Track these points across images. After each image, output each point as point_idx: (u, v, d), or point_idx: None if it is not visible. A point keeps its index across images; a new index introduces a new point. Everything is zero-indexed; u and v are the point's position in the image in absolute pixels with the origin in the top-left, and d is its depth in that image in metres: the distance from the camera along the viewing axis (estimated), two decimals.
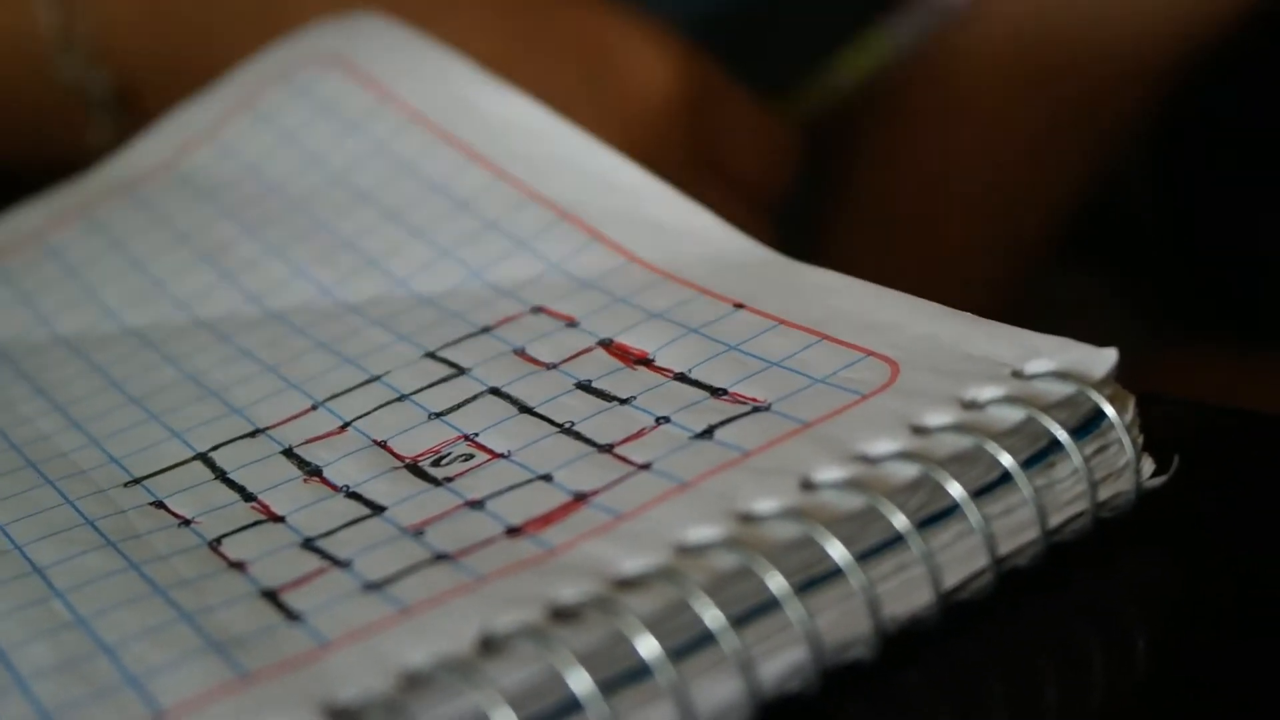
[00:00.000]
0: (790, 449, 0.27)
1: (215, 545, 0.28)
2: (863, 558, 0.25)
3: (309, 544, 0.27)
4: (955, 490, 0.26)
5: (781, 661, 0.25)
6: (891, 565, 0.25)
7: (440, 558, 0.26)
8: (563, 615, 0.24)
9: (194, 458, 0.30)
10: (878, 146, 0.61)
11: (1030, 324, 0.29)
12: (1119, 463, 0.27)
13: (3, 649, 0.26)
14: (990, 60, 0.59)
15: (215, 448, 0.31)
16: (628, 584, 0.25)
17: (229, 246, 0.37)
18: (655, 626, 0.24)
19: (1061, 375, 0.27)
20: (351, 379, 0.32)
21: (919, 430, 0.26)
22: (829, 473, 0.26)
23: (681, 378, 0.29)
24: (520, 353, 0.31)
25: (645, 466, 0.27)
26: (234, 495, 0.29)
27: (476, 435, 0.29)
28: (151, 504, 0.29)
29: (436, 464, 0.29)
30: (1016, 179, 0.61)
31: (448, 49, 0.39)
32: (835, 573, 0.25)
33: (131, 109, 0.47)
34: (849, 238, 0.60)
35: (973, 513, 0.26)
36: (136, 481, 0.30)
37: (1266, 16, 0.60)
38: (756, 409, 0.28)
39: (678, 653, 0.24)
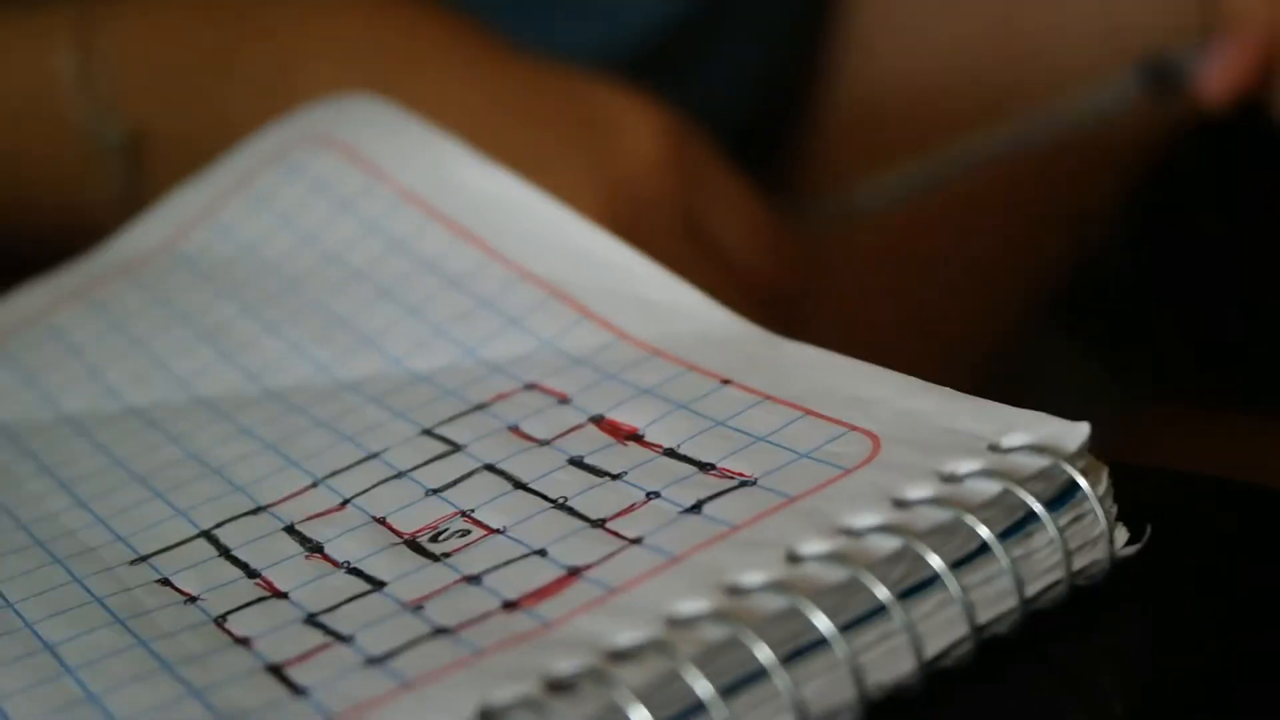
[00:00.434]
0: (776, 523, 0.28)
1: (221, 621, 0.29)
2: (846, 628, 0.26)
3: (312, 619, 0.28)
4: (935, 562, 0.27)
5: None
6: (875, 635, 0.26)
7: (439, 632, 0.27)
8: (558, 687, 0.25)
9: (198, 535, 0.31)
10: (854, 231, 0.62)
11: (1010, 390, 0.30)
12: (1093, 532, 0.28)
13: None
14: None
15: (218, 525, 0.31)
16: (621, 656, 0.25)
17: (228, 326, 0.38)
18: (647, 698, 0.25)
19: (1037, 449, 0.28)
20: (350, 456, 0.33)
21: (900, 503, 0.27)
22: (813, 546, 0.27)
23: (670, 453, 0.30)
24: (514, 429, 0.32)
25: (636, 541, 0.28)
26: (238, 572, 0.30)
27: (472, 511, 0.30)
28: (157, 581, 0.30)
29: (434, 540, 0.30)
30: (995, 261, 0.62)
31: (438, 129, 0.40)
32: (820, 643, 0.26)
33: (141, 159, 0.48)
34: (826, 310, 0.61)
35: (952, 583, 0.27)
36: (142, 559, 0.31)
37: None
38: (743, 484, 0.29)
39: None
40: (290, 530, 0.31)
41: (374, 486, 0.31)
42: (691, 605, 0.26)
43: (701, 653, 0.25)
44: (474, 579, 0.28)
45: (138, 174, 0.49)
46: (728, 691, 0.25)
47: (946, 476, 0.28)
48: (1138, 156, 0.62)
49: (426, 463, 0.32)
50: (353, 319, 0.37)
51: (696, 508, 0.28)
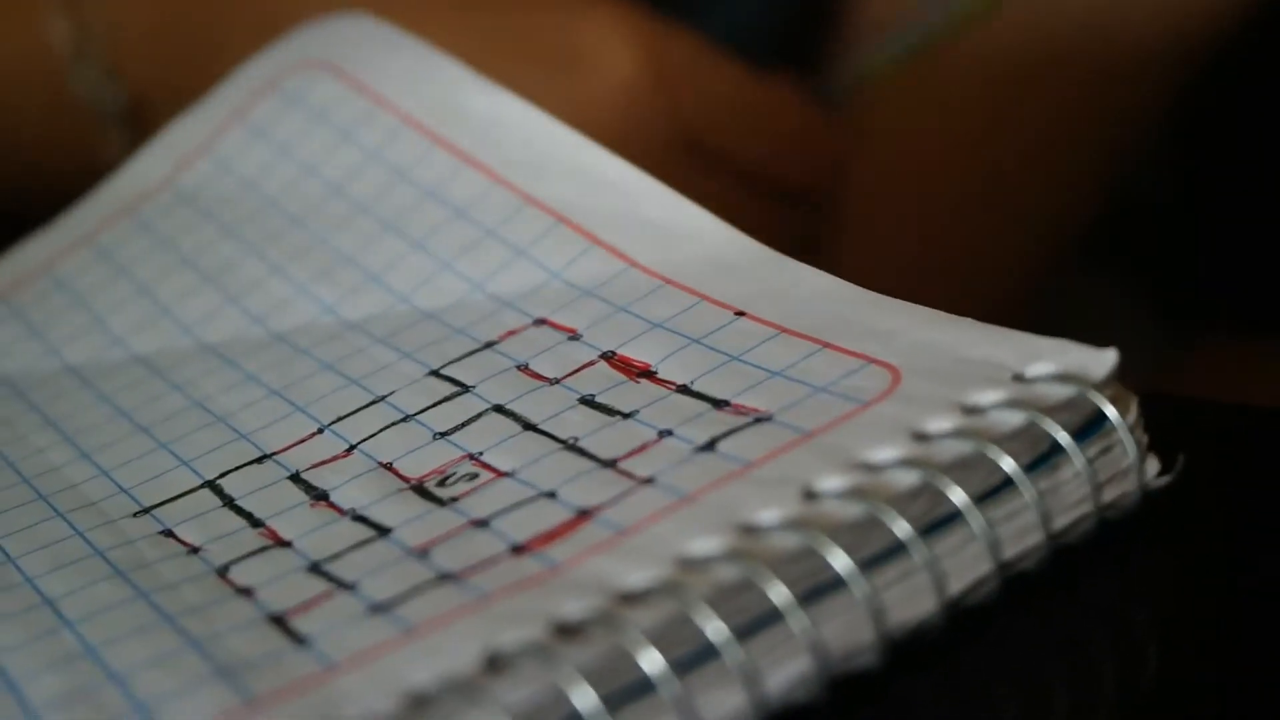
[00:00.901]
0: (792, 459, 0.27)
1: (223, 572, 0.28)
2: (866, 566, 0.25)
3: (316, 568, 0.27)
4: (957, 496, 0.26)
5: (786, 672, 0.25)
6: (895, 573, 0.25)
7: (445, 578, 0.26)
8: (567, 632, 0.24)
9: (202, 485, 0.31)
10: (876, 144, 0.60)
11: (1045, 326, 0.29)
12: (1123, 463, 0.27)
13: (15, 680, 0.26)
14: (988, 57, 0.59)
15: (223, 475, 0.31)
16: (631, 599, 0.25)
17: (232, 267, 0.37)
18: (659, 640, 0.24)
19: (1062, 378, 0.27)
20: (357, 400, 0.32)
21: (920, 436, 0.26)
22: (831, 482, 0.26)
23: (684, 390, 0.29)
24: (524, 368, 0.31)
25: (648, 481, 0.27)
26: (242, 521, 0.29)
27: (481, 454, 0.29)
28: (160, 533, 0.30)
29: (442, 484, 0.29)
30: (1023, 179, 0.61)
31: (436, 50, 0.39)
32: (839, 582, 0.25)
33: (144, 123, 0.48)
34: (850, 239, 0.60)
35: (975, 518, 0.26)
36: (145, 511, 0.30)
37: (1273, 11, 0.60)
38: (759, 420, 0.28)
39: (682, 666, 0.24)
40: (295, 478, 0.30)
41: (380, 431, 0.31)
42: (704, 545, 0.25)
43: (714, 593, 0.24)
44: (482, 523, 0.27)
45: (141, 140, 0.48)
46: (743, 633, 0.24)
47: (969, 408, 0.27)
48: (1179, 59, 0.60)
49: (434, 405, 0.31)
50: (357, 256, 0.36)
51: (710, 445, 0.28)
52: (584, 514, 0.27)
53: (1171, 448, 0.27)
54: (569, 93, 0.45)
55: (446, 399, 0.31)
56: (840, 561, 0.25)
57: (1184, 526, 0.27)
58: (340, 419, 0.31)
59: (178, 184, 0.40)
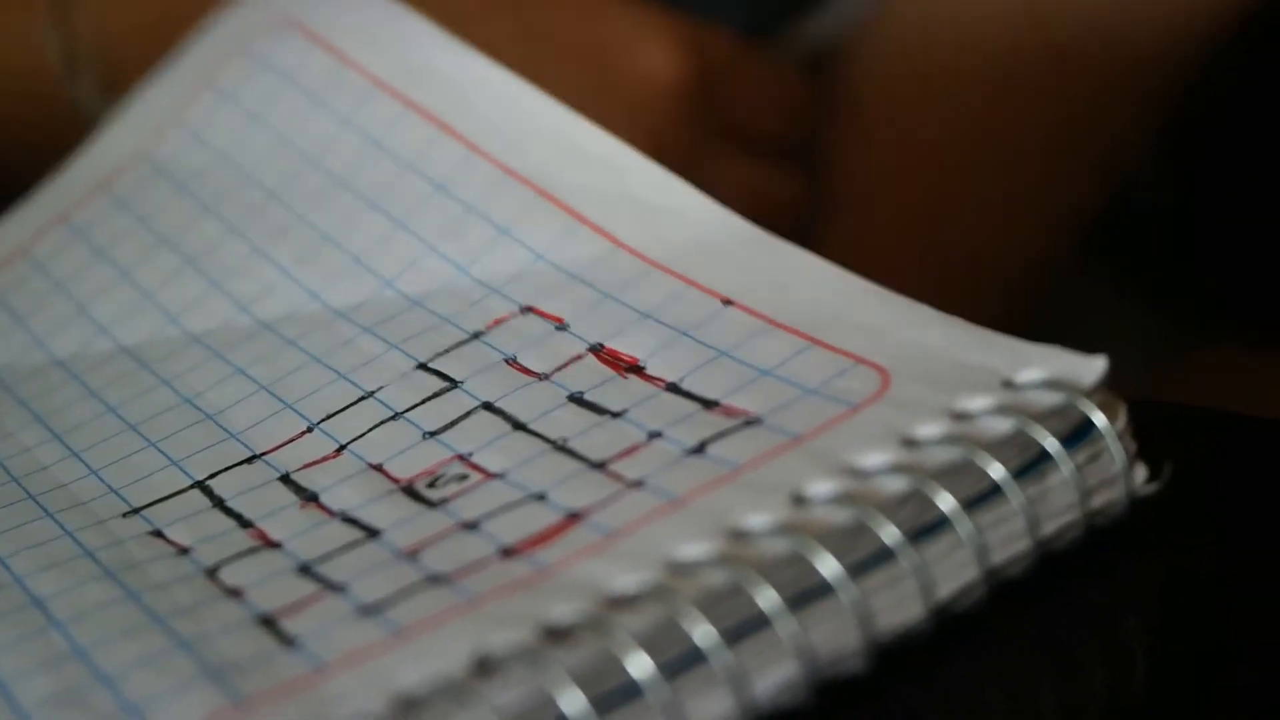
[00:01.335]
0: (782, 463, 0.27)
1: (213, 573, 0.28)
2: (854, 571, 0.25)
3: (306, 569, 0.27)
4: (946, 502, 0.26)
5: (774, 676, 0.25)
6: (884, 578, 0.25)
7: (435, 580, 0.26)
8: (556, 635, 0.24)
9: (192, 486, 0.31)
10: (875, 144, 0.60)
11: (1044, 330, 0.29)
12: (1111, 470, 0.27)
13: (4, 681, 0.26)
14: (990, 57, 0.59)
15: (213, 475, 0.31)
16: (620, 602, 0.25)
17: (213, 249, 0.37)
18: (648, 644, 0.24)
19: (1052, 384, 0.27)
20: (346, 396, 0.32)
21: (910, 442, 0.26)
22: (820, 487, 0.26)
23: (673, 388, 0.29)
24: (512, 362, 0.31)
25: (638, 484, 0.27)
26: (231, 523, 0.29)
27: (470, 455, 0.29)
28: (150, 533, 0.30)
29: (432, 485, 0.29)
30: (1022, 182, 0.61)
31: (401, 6, 0.38)
32: (827, 587, 0.25)
33: None
34: (847, 240, 0.60)
35: (964, 524, 0.26)
36: (135, 511, 0.30)
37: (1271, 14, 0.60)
38: (748, 422, 0.28)
39: (670, 669, 0.24)
40: (285, 479, 0.30)
41: (370, 430, 0.31)
42: (693, 549, 0.25)
43: (703, 597, 0.24)
44: (471, 525, 0.27)
45: None
46: (731, 637, 0.24)
47: (958, 414, 0.27)
48: (1179, 63, 0.60)
49: (423, 402, 0.31)
50: (339, 236, 0.36)
51: (700, 448, 0.28)
52: (574, 516, 0.27)
53: (1161, 455, 0.27)
54: (608, 92, 0.46)
55: (435, 395, 0.31)
56: (829, 567, 0.25)
57: (1172, 533, 0.27)
58: (329, 416, 0.31)
59: (151, 156, 0.40)
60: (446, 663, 0.24)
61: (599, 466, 0.28)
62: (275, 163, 0.38)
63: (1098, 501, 0.27)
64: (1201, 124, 0.66)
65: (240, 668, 0.25)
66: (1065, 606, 0.26)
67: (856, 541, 0.25)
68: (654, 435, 0.28)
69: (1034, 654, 0.26)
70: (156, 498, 0.30)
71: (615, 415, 0.29)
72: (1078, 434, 0.27)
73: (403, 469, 0.29)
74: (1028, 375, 0.27)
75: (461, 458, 0.29)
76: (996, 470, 0.26)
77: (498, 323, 0.32)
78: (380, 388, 0.32)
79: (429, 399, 0.31)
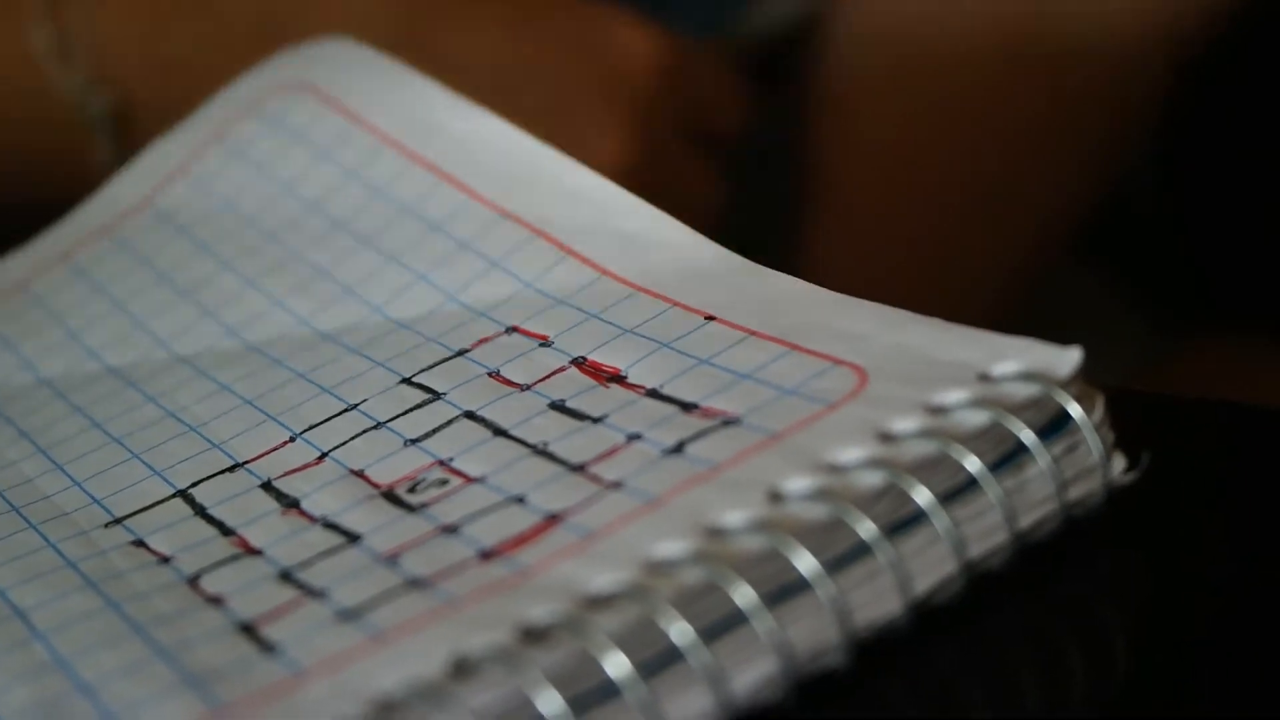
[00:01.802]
0: (759, 461, 0.27)
1: (194, 581, 0.28)
2: (831, 567, 0.25)
3: (286, 576, 0.27)
4: (922, 496, 0.26)
5: (753, 673, 0.25)
6: (861, 573, 0.25)
7: (415, 584, 0.26)
8: (534, 636, 0.24)
9: (174, 495, 0.31)
10: (862, 142, 0.61)
11: (1034, 324, 0.29)
12: (1088, 461, 0.27)
13: None
14: (978, 54, 0.59)
15: (195, 484, 0.31)
16: (597, 602, 0.25)
17: (207, 282, 0.37)
18: (625, 643, 0.24)
19: (1027, 376, 0.27)
20: (329, 409, 0.32)
21: (886, 437, 0.26)
22: (796, 483, 0.26)
23: (653, 394, 0.29)
24: (495, 375, 0.31)
25: (617, 485, 0.27)
26: (213, 531, 0.29)
27: (451, 460, 0.29)
28: (132, 543, 0.30)
29: (412, 490, 0.29)
30: (1012, 177, 0.61)
31: (414, 71, 0.39)
32: (804, 583, 0.25)
33: (130, 129, 0.48)
34: (836, 240, 0.60)
35: (940, 518, 0.26)
36: (117, 521, 0.30)
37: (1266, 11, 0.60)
38: (727, 422, 0.28)
39: (648, 668, 0.24)
40: (267, 486, 0.30)
41: (352, 439, 0.31)
42: (670, 548, 0.25)
43: (680, 596, 0.24)
44: (451, 529, 0.27)
45: (127, 146, 0.48)
46: (709, 635, 0.24)
47: (934, 408, 0.27)
48: (1169, 58, 0.60)
49: (405, 412, 0.31)
50: (332, 269, 0.36)
51: (678, 449, 0.28)
52: (552, 519, 0.27)
53: (1140, 445, 0.27)
54: (593, 81, 0.48)
55: (418, 406, 0.31)
56: (805, 563, 0.25)
57: (1150, 524, 0.27)
58: (312, 427, 0.31)
59: (156, 204, 0.41)
60: (425, 666, 0.24)
61: (578, 469, 0.28)
62: (277, 209, 0.38)
63: (1075, 493, 0.27)
64: (1193, 118, 0.66)
65: (220, 675, 0.25)
66: (1044, 598, 0.26)
67: (833, 537, 0.25)
68: (633, 437, 0.28)
69: (1013, 646, 0.26)
70: (138, 507, 0.31)
71: (595, 420, 0.29)
72: (1054, 425, 0.27)
73: (383, 474, 0.29)
74: (1003, 368, 0.27)
75: (442, 463, 0.29)
76: (973, 463, 0.26)
77: (482, 341, 0.33)
78: (363, 400, 0.32)
79: (411, 409, 0.31)
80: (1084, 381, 0.27)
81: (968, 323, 0.29)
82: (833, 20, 0.61)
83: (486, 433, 0.30)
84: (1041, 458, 0.26)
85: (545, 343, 0.32)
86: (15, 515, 0.31)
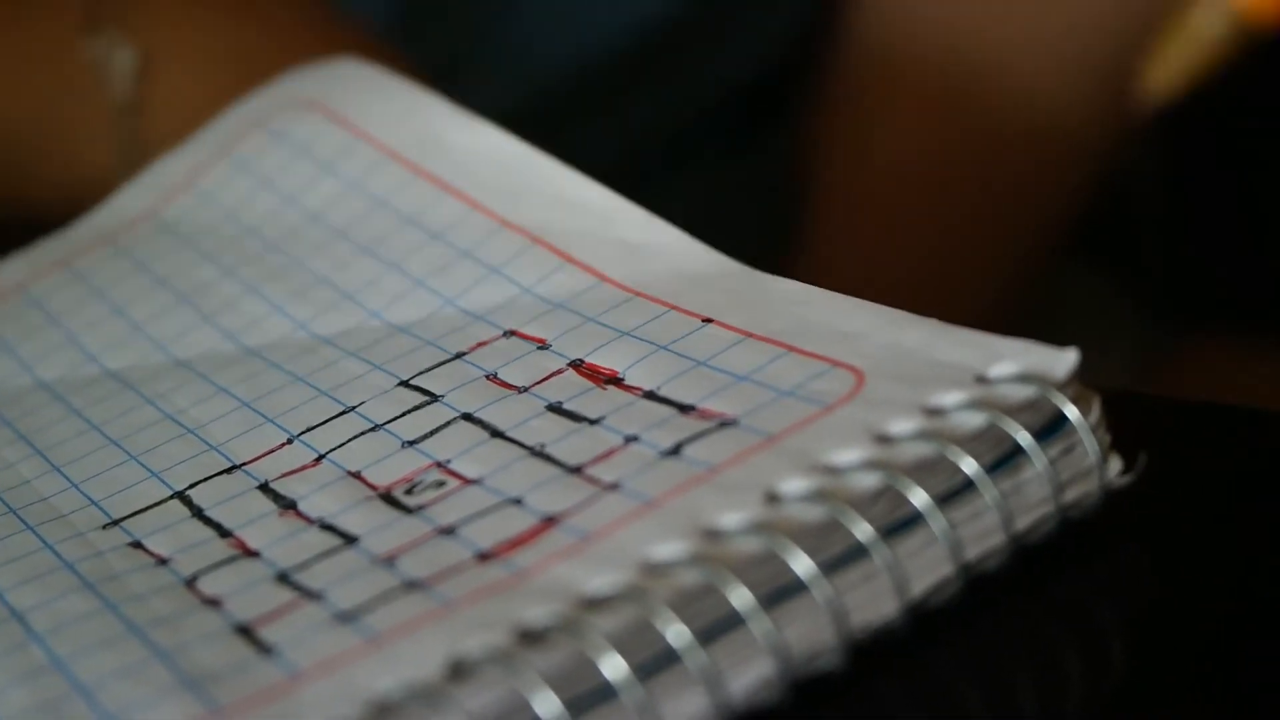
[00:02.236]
0: (756, 463, 0.27)
1: (191, 583, 0.28)
2: (828, 569, 0.25)
3: (283, 577, 0.27)
4: (919, 498, 0.26)
5: (749, 675, 0.25)
6: (858, 575, 0.25)
7: (411, 585, 0.26)
8: (530, 638, 0.24)
9: (171, 497, 0.31)
10: (859, 142, 0.61)
11: (1034, 325, 0.29)
12: (1084, 463, 0.27)
13: None
14: (971, 54, 0.59)
15: (192, 486, 0.31)
16: (594, 604, 0.25)
17: (207, 288, 0.37)
18: (622, 645, 0.24)
19: (1023, 378, 0.27)
20: (327, 411, 0.32)
21: (883, 439, 0.26)
22: (793, 485, 0.26)
23: (651, 395, 0.29)
24: (492, 377, 0.31)
25: (614, 486, 0.27)
26: (210, 532, 0.29)
27: (449, 462, 0.29)
28: (130, 544, 0.30)
29: (409, 492, 0.29)
30: (1007, 177, 0.61)
31: (419, 87, 0.40)
32: (801, 585, 0.25)
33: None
34: (835, 240, 0.60)
35: (937, 520, 0.26)
36: (115, 523, 0.30)
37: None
38: (724, 424, 0.28)
39: (645, 670, 0.24)
40: (264, 488, 0.30)
41: (349, 440, 0.31)
42: (667, 549, 0.25)
43: (677, 598, 0.24)
44: (448, 530, 0.27)
45: (138, 136, 0.48)
46: (705, 637, 0.24)
47: (931, 410, 0.27)
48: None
49: (403, 415, 0.31)
50: (332, 276, 0.36)
51: (675, 450, 0.28)
52: (549, 520, 0.27)
53: (1137, 446, 0.27)
54: None
55: (415, 408, 0.31)
56: (802, 564, 0.25)
57: (1147, 525, 0.27)
58: (310, 429, 0.31)
59: (159, 215, 0.41)
60: (421, 667, 0.24)
61: (575, 471, 0.28)
62: (279, 219, 0.39)
63: (1072, 495, 0.27)
64: (1193, 120, 0.66)
65: (217, 676, 0.25)
66: (1040, 600, 0.26)
67: (830, 539, 0.25)
68: (630, 439, 0.28)
69: (1009, 648, 0.26)
70: (136, 509, 0.31)
71: (593, 422, 0.29)
72: (1051, 427, 0.27)
73: (381, 476, 0.29)
74: (1000, 370, 0.27)
75: (439, 465, 0.29)
76: (969, 465, 0.26)
77: (481, 345, 0.33)
78: (361, 403, 0.32)
79: (409, 411, 0.31)
80: (1080, 383, 0.27)
81: (967, 324, 0.29)
82: (839, 29, 0.61)
83: (484, 434, 0.30)
84: (1038, 459, 0.26)
85: (543, 346, 0.32)
86: (13, 517, 0.31)
